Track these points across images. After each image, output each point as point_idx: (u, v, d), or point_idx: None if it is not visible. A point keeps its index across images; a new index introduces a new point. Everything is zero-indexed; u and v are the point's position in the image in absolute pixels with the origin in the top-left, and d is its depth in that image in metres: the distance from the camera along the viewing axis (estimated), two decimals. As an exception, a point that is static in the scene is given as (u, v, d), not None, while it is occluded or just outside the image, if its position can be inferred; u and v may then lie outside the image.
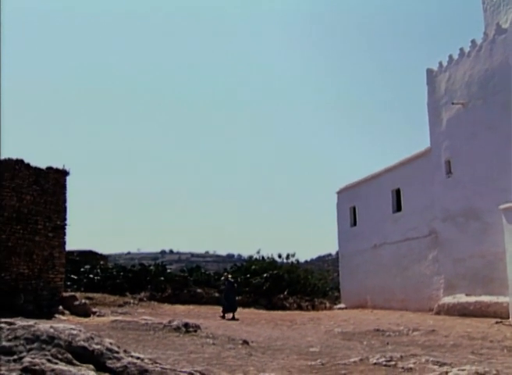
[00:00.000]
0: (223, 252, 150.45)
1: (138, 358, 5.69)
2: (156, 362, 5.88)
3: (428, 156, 27.95)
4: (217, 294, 33.76)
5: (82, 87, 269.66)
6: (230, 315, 23.97)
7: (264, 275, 35.81)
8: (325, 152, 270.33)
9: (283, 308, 32.50)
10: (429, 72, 28.37)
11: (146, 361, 5.69)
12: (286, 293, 35.01)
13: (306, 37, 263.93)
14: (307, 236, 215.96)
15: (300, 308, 33.40)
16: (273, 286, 35.01)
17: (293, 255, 41.62)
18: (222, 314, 24.24)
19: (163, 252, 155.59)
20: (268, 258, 41.34)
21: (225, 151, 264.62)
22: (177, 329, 15.06)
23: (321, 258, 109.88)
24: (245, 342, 13.20)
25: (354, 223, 35.89)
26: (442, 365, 9.42)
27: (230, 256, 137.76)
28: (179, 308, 28.99)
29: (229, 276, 28.70)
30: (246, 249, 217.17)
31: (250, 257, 43.08)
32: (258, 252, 42.12)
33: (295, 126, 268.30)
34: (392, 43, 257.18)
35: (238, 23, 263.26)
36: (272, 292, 34.52)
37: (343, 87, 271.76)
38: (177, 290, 33.30)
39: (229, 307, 24.48)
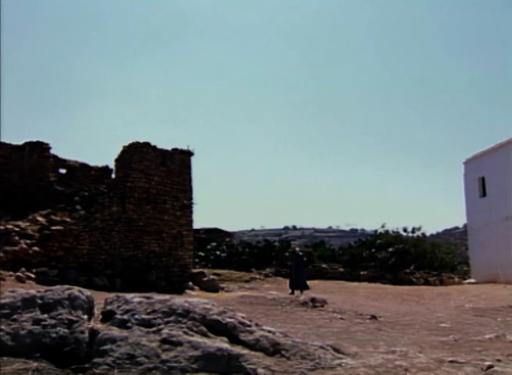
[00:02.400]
0: (346, 227, 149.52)
1: (269, 331, 5.75)
2: (287, 336, 5.93)
3: None
4: (342, 269, 33.68)
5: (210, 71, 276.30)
6: (298, 292, 20.64)
7: (390, 249, 35.28)
8: (451, 122, 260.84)
9: (410, 283, 31.84)
10: None
11: (277, 334, 5.75)
12: (412, 267, 34.30)
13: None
14: (432, 209, 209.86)
15: (427, 283, 32.59)
16: (399, 260, 34.42)
17: (419, 229, 40.74)
18: (291, 292, 20.97)
19: (286, 228, 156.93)
20: (393, 232, 40.66)
21: (342, 127, 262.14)
22: (304, 304, 15.16)
23: (447, 232, 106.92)
24: (373, 317, 13.05)
25: (483, 194, 34.37)
26: None
27: (353, 231, 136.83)
28: (304, 283, 29.16)
29: (297, 248, 25.53)
30: (369, 224, 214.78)
31: (375, 231, 42.58)
32: (383, 226, 41.57)
33: (420, 94, 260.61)
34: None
35: None
36: (398, 267, 33.95)
37: (464, 50, 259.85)
38: (302, 265, 33.49)
39: (296, 284, 21.32)
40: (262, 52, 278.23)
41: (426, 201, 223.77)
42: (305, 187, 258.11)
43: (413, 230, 40.49)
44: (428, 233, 47.70)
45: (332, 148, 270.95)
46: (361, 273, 33.44)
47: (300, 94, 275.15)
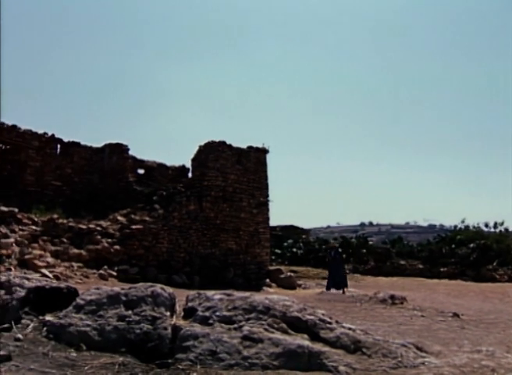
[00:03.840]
0: (424, 223, 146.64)
1: (350, 328, 5.70)
2: (367, 333, 5.85)
3: None
4: (421, 266, 33.06)
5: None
6: (339, 292, 19.32)
7: (471, 245, 34.34)
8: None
9: (492, 279, 30.85)
10: None
11: (358, 332, 5.69)
12: (495, 264, 33.22)
13: None
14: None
15: (511, 280, 31.49)
16: (481, 256, 33.43)
17: (502, 224, 39.44)
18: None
19: (362, 225, 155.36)
20: (473, 227, 39.56)
21: (417, 123, 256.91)
22: (383, 301, 14.94)
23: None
24: (455, 315, 12.72)
25: None
26: None
27: (432, 227, 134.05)
28: (382, 280, 28.79)
29: (337, 244, 24.56)
30: (448, 219, 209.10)
31: (455, 227, 41.63)
32: (463, 222, 40.54)
33: (499, 86, 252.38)
34: None
35: None
36: (480, 263, 32.97)
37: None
38: (380, 262, 33.10)
39: (336, 283, 19.96)
40: (336, 50, 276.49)
41: (507, 195, 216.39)
42: (381, 183, 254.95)
43: (495, 225, 39.28)
44: (511, 228, 46.13)
45: (408, 144, 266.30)
46: (441, 269, 32.71)
47: (374, 93, 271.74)
